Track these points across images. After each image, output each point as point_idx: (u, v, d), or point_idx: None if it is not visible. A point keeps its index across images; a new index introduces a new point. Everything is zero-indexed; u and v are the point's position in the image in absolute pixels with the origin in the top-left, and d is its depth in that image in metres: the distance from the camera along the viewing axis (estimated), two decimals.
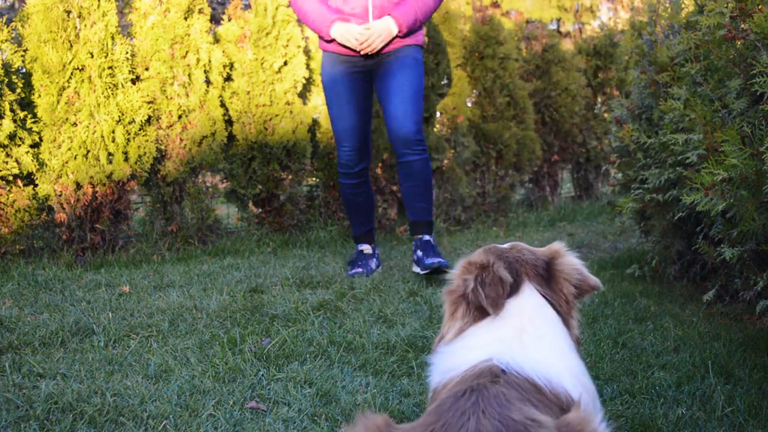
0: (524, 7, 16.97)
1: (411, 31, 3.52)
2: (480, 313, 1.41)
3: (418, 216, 3.67)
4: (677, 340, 2.48)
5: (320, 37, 3.58)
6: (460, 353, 1.34)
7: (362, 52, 3.46)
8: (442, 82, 5.45)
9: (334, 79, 3.57)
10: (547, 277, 1.46)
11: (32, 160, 3.95)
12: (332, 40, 3.50)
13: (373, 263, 3.80)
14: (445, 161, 5.47)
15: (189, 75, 4.45)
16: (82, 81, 4.04)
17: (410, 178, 3.57)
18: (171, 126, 4.41)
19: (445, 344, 1.42)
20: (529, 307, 1.40)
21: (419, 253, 3.60)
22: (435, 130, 5.49)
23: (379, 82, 3.59)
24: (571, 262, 1.48)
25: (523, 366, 1.23)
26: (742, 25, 2.44)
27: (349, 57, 3.54)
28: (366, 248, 3.85)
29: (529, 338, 1.33)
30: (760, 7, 2.31)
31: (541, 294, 1.43)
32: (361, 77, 3.58)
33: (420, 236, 3.67)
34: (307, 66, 5.05)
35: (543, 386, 1.21)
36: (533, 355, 1.27)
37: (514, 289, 1.42)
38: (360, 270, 3.69)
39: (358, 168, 3.67)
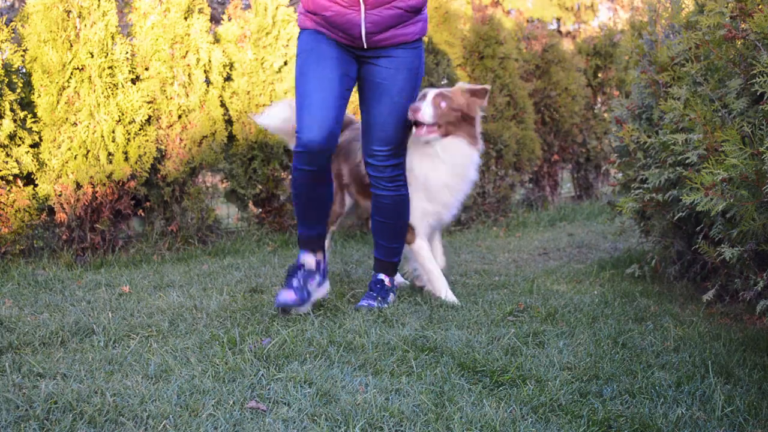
0: (525, 6, 16.98)
1: (405, 19, 2.75)
2: None
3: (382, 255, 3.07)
4: (677, 340, 2.48)
5: (300, 13, 2.84)
6: None
7: None
8: (443, 82, 5.44)
9: (312, 47, 2.79)
10: None
11: (32, 160, 3.95)
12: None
13: (314, 283, 2.86)
14: None
15: (189, 75, 4.45)
16: (82, 81, 4.04)
17: (380, 212, 3.01)
18: (171, 126, 4.41)
19: None
20: None
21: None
22: None
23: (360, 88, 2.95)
24: None
25: None
26: (742, 25, 2.44)
27: (335, 41, 2.80)
28: (309, 261, 2.89)
29: None
30: (760, 6, 2.31)
31: None
32: (348, 52, 2.82)
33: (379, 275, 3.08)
34: None
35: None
36: None
37: None
38: (293, 298, 2.76)
39: (322, 149, 2.72)
